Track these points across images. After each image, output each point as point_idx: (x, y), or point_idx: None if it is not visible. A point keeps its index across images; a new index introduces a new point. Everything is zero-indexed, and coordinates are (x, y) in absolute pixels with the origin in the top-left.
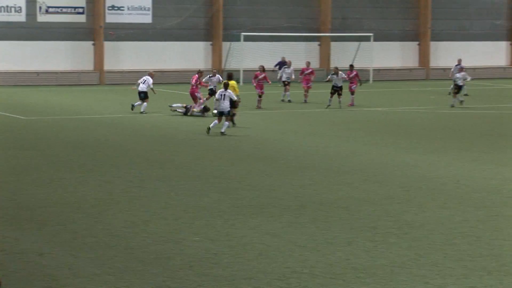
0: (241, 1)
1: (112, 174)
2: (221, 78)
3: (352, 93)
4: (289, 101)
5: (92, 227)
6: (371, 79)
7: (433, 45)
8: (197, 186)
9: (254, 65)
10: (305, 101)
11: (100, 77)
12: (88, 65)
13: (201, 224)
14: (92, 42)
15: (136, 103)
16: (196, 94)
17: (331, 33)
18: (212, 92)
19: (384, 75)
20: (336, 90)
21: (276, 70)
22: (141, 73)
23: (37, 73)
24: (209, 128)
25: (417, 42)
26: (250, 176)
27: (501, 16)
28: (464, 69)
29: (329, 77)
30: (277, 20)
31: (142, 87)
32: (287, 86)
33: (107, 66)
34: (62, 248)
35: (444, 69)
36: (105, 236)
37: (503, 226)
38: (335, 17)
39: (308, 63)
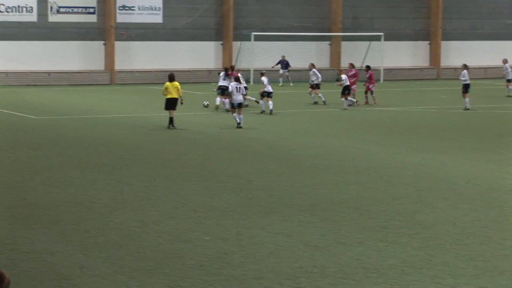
0: (252, 1)
1: (123, 173)
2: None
3: (372, 92)
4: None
5: (103, 227)
6: (381, 79)
7: (444, 44)
8: (208, 186)
9: (264, 64)
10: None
11: (111, 77)
12: (99, 65)
13: (212, 224)
14: (103, 42)
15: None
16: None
17: (342, 32)
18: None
19: (395, 75)
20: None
21: (275, 69)
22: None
23: (48, 73)
24: (238, 124)
25: (428, 42)
26: (261, 175)
27: None
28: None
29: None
30: (287, 20)
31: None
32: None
33: (118, 66)
34: (74, 247)
35: (455, 69)
36: (116, 236)
37: None
38: (346, 17)
39: (352, 65)
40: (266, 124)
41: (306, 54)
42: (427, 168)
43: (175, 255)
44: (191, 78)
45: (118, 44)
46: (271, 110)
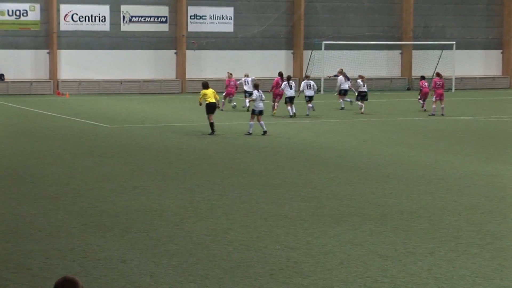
0: (322, 10)
1: (194, 182)
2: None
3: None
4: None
5: (174, 235)
6: (453, 88)
7: None
8: (278, 194)
9: (335, 73)
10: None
11: (182, 86)
12: (171, 74)
13: (282, 233)
14: (174, 51)
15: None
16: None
17: (413, 41)
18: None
19: (467, 84)
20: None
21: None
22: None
23: (121, 81)
24: (249, 133)
25: (501, 50)
26: (331, 184)
27: None
28: None
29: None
30: (358, 29)
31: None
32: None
33: (189, 75)
34: (144, 255)
35: None
36: (186, 244)
37: None
38: (417, 25)
39: (440, 74)
40: (334, 133)
41: (377, 63)
42: (499, 178)
43: (245, 264)
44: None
45: (189, 53)
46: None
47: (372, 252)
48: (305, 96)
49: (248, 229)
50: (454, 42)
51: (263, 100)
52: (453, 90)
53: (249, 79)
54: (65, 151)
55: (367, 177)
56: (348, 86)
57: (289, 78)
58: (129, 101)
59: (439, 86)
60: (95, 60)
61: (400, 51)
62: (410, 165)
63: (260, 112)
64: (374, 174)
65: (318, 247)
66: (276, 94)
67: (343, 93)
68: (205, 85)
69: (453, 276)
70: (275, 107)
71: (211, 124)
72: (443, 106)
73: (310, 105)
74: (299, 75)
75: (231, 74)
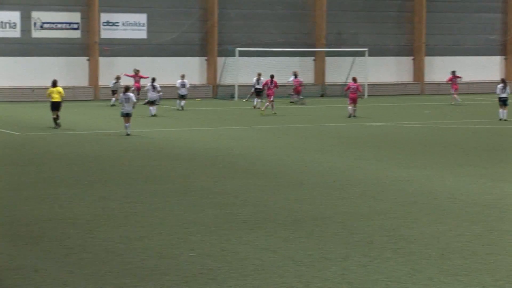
0: (236, 17)
1: (108, 189)
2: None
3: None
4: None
5: (88, 243)
6: (366, 94)
7: (428, 60)
8: (192, 202)
9: (249, 80)
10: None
11: (94, 93)
12: (83, 81)
13: (197, 240)
14: (86, 57)
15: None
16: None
17: (326, 48)
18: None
19: (379, 90)
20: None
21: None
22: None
23: (32, 89)
24: (128, 134)
25: (412, 57)
26: (246, 191)
27: (495, 31)
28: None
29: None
30: (272, 36)
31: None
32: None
33: (101, 82)
34: (57, 264)
35: (439, 84)
36: (100, 252)
37: (499, 240)
38: (330, 32)
39: (355, 79)
40: (249, 139)
41: (291, 70)
42: (411, 183)
43: (160, 271)
44: (176, 94)
45: (102, 60)
46: (182, 107)
47: (287, 258)
48: (178, 95)
49: (163, 236)
50: (367, 49)
51: (134, 103)
52: (365, 96)
53: (114, 81)
54: None
55: (281, 183)
56: (261, 86)
57: (153, 81)
58: (41, 108)
59: (353, 90)
60: (5, 67)
61: (313, 57)
62: (324, 171)
63: (127, 115)
64: (288, 180)
65: (233, 253)
66: (268, 94)
67: (256, 93)
68: (53, 83)
69: (367, 281)
70: (265, 106)
71: (54, 119)
72: (355, 109)
73: (182, 103)
74: (213, 82)
75: (138, 71)
